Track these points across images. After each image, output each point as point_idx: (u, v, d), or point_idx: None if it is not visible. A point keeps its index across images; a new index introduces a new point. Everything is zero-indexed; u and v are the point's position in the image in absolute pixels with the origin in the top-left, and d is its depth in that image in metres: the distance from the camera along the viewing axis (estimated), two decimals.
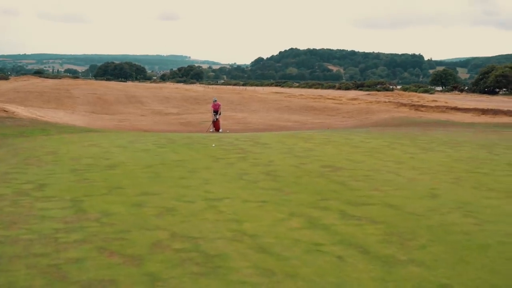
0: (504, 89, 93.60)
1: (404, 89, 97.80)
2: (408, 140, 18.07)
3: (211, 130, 27.14)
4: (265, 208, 8.67)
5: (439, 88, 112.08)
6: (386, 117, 32.28)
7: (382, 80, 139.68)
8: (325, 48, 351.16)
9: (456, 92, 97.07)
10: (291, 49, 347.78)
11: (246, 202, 9.02)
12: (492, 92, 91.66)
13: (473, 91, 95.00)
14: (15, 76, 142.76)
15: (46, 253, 6.30)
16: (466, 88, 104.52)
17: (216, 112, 28.08)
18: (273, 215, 8.23)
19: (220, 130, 27.10)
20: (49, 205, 8.54)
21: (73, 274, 5.67)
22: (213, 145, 15.96)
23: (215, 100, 29.29)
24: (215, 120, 27.77)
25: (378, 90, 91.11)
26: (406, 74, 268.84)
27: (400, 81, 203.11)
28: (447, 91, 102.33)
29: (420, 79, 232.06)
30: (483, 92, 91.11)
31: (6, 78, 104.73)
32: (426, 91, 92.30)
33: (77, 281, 5.49)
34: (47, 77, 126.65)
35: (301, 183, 10.67)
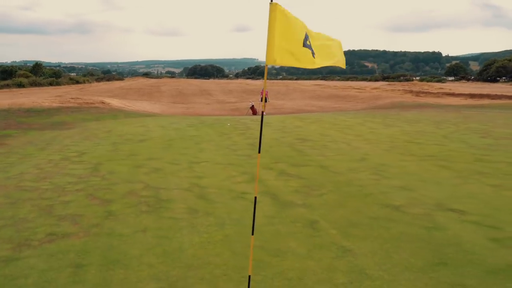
0: (504, 78, 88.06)
1: (421, 80, 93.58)
2: (380, 119, 17.40)
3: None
4: (227, 168, 8.87)
5: (451, 78, 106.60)
6: (387, 102, 31.23)
7: (406, 73, 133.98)
8: (362, 49, 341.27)
9: (464, 81, 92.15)
10: None
11: (216, 164, 9.21)
12: (493, 80, 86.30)
13: (478, 80, 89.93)
14: (128, 77, 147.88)
15: (51, 197, 6.89)
16: (472, 77, 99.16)
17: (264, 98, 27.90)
18: (228, 173, 8.46)
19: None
20: (78, 166, 9.08)
21: (58, 211, 6.27)
22: (228, 124, 15.96)
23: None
24: (252, 106, 27.82)
25: (400, 81, 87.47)
26: (427, 68, 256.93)
27: (422, 74, 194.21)
28: (457, 80, 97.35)
29: (438, 72, 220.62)
30: (486, 80, 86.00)
31: (121, 79, 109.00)
32: (439, 81, 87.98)
33: (58, 215, 6.09)
34: (151, 78, 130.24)
35: (270, 151, 10.65)
